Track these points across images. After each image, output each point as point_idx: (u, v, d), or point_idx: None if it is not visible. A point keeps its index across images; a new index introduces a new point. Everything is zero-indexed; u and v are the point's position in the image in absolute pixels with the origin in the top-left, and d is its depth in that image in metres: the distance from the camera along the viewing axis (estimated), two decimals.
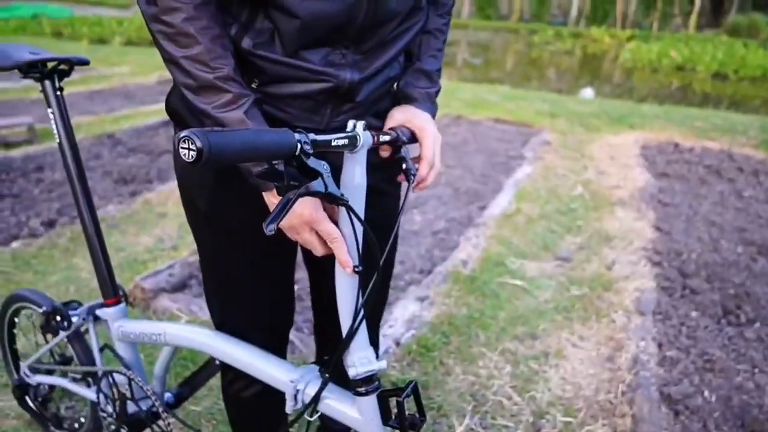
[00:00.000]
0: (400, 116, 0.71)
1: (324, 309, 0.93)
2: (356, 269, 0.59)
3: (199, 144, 0.40)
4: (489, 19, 18.37)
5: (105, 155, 3.03)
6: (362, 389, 0.64)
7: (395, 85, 0.74)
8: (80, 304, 0.97)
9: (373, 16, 0.60)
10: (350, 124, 0.58)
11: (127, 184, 2.67)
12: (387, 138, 0.65)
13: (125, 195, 2.53)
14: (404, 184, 0.69)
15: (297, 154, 0.47)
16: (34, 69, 0.84)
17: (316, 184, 0.49)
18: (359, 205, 0.61)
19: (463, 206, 2.61)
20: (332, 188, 0.51)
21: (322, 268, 0.82)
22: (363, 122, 0.58)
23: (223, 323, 0.81)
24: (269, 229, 0.46)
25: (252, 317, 0.80)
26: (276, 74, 0.61)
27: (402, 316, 1.64)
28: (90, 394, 0.98)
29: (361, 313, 0.61)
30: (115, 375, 0.91)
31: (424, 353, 1.51)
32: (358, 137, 0.57)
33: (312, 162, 0.48)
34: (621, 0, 17.02)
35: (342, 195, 0.52)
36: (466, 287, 1.84)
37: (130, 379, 0.89)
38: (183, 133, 0.41)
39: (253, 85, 0.62)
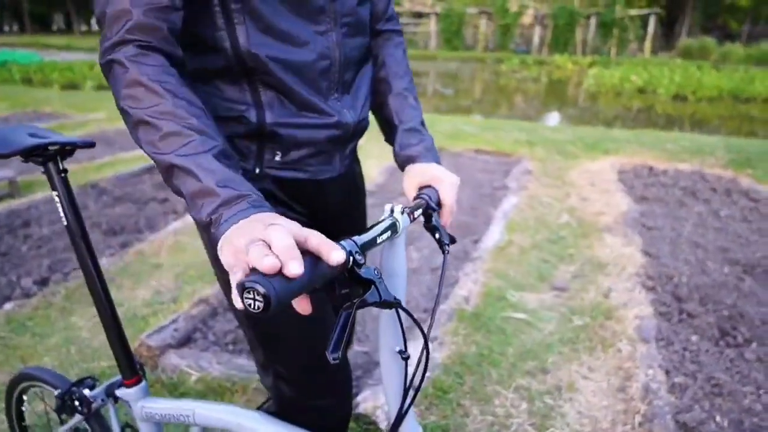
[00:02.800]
0: (414, 179, 0.75)
1: None
2: (403, 355, 0.59)
3: (263, 291, 0.38)
4: (456, 49, 19.15)
5: (91, 206, 2.98)
6: None
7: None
8: (95, 380, 0.94)
9: (347, 53, 0.70)
10: (387, 209, 0.58)
11: (116, 235, 2.63)
12: (420, 210, 0.66)
13: (116, 247, 2.48)
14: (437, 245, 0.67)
15: (350, 266, 0.46)
16: (37, 154, 0.81)
17: (371, 295, 0.47)
18: (402, 288, 0.61)
19: (457, 240, 2.66)
20: (386, 295, 0.47)
21: None
22: (400, 206, 0.59)
23: (292, 401, 0.79)
24: (334, 358, 0.42)
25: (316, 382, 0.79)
26: (294, 138, 0.69)
27: (414, 358, 1.65)
28: None
29: (410, 396, 0.59)
30: None
31: (441, 396, 1.51)
32: (397, 224, 0.57)
33: (364, 272, 0.46)
34: (580, 28, 18.10)
35: (395, 298, 0.49)
36: (472, 324, 1.87)
37: None
38: (245, 284, 0.39)
39: (277, 158, 0.70)
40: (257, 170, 0.70)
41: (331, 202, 0.74)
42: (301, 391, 0.78)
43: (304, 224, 0.76)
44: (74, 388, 0.91)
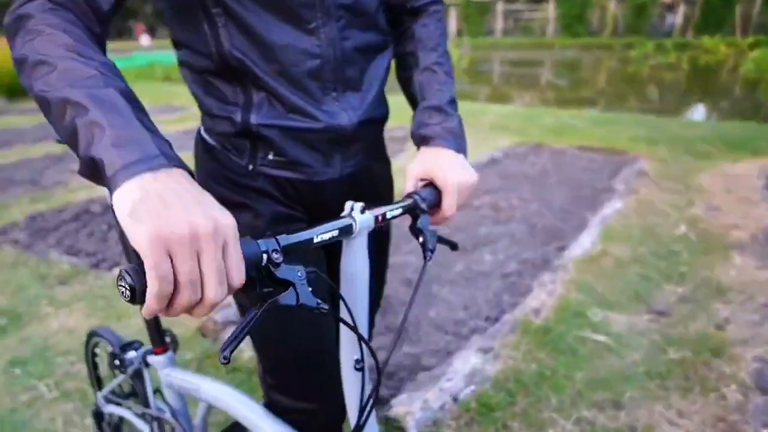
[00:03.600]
0: (416, 168, 0.67)
1: None
2: (357, 366, 0.57)
3: (130, 281, 0.36)
4: (577, 35, 17.59)
5: None
6: None
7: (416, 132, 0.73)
8: (141, 345, 1.06)
9: (347, 48, 0.66)
10: (347, 206, 0.55)
11: None
12: (398, 211, 0.59)
13: None
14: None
15: (264, 264, 0.44)
16: None
17: (287, 296, 0.44)
18: (361, 292, 0.58)
19: (539, 246, 2.45)
20: (306, 298, 0.44)
21: None
22: (361, 204, 0.55)
23: (276, 399, 0.79)
24: (224, 357, 0.39)
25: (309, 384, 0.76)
26: (284, 138, 0.67)
27: (462, 368, 1.55)
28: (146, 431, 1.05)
29: (368, 408, 0.56)
30: (162, 420, 0.96)
31: (485, 413, 1.40)
32: (353, 225, 0.53)
33: (282, 272, 0.44)
34: (740, 2, 15.31)
35: (318, 304, 0.45)
36: (538, 340, 1.70)
37: (172, 427, 0.94)
38: (121, 270, 0.36)
39: (270, 156, 0.68)
40: (250, 167, 0.70)
41: (333, 203, 0.69)
42: (283, 390, 0.78)
43: (302, 225, 0.71)
44: (120, 349, 1.04)
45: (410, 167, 0.68)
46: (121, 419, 1.23)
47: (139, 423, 1.08)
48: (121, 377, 1.09)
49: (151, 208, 0.36)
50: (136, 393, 1.13)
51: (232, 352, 0.40)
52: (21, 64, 0.46)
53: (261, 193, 0.71)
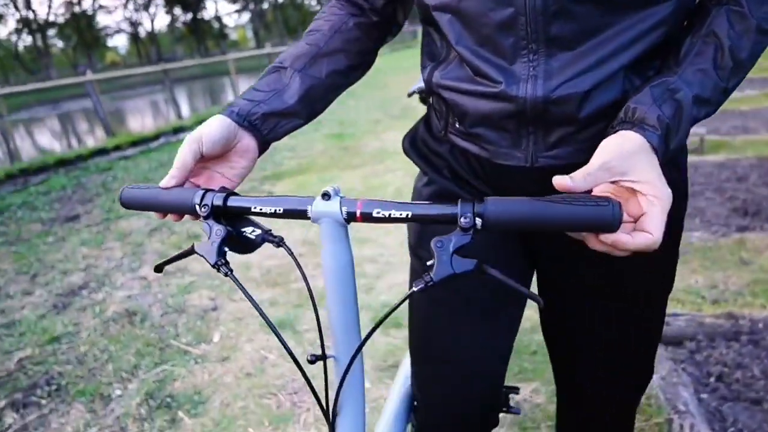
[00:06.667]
0: (608, 167, 0.49)
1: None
2: (309, 358, 0.54)
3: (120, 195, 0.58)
4: None
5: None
6: None
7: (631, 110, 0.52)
8: None
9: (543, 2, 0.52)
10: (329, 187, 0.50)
11: None
12: (400, 214, 0.48)
13: None
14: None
15: (198, 213, 0.53)
16: None
17: (200, 246, 0.51)
18: (344, 285, 0.53)
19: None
20: (209, 254, 0.50)
21: (574, 346, 0.76)
22: (334, 187, 0.50)
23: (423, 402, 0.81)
24: (154, 268, 0.55)
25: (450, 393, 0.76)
26: (461, 104, 0.61)
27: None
28: None
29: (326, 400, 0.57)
30: None
31: None
32: (307, 210, 0.50)
33: (205, 223, 0.52)
34: None
35: (218, 262, 0.50)
36: None
37: None
38: None
39: (457, 125, 0.64)
40: (442, 132, 0.68)
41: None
42: (414, 375, 0.81)
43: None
44: None
45: (597, 156, 0.49)
46: None
47: None
48: None
49: None
50: None
51: (161, 264, 0.56)
52: None
53: (444, 161, 0.70)
